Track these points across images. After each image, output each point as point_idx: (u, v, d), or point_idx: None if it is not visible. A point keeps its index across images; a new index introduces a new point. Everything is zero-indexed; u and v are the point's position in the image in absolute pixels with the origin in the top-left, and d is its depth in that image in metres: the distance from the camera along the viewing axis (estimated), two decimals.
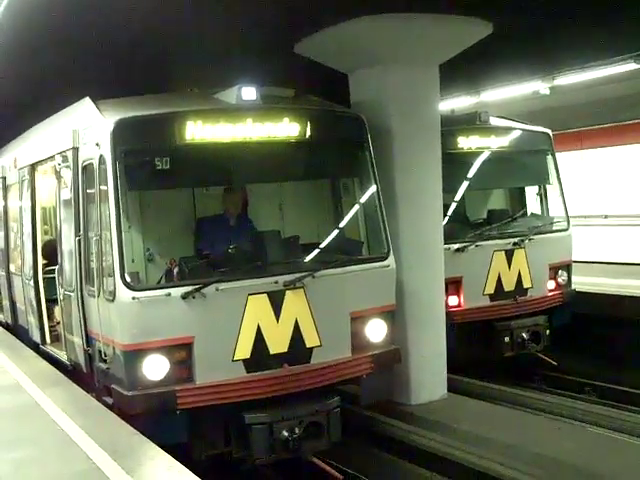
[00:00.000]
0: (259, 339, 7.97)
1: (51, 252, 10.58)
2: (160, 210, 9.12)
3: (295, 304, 8.15)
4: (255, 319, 7.97)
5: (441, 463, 8.73)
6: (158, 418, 7.58)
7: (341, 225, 9.59)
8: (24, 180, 11.42)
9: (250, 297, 7.95)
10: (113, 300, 7.73)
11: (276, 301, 8.06)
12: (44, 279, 10.85)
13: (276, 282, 8.08)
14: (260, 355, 7.99)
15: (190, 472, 5.74)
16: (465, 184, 12.36)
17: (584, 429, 10.00)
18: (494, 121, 12.97)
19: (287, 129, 8.60)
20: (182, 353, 7.76)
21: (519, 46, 11.22)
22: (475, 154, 12.46)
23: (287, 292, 8.11)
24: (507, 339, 11.92)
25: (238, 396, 7.87)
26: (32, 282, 10.89)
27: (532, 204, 13.68)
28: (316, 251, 8.93)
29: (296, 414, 7.98)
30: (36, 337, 11.07)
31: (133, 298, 7.58)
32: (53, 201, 10.24)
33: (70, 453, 6.32)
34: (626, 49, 12.16)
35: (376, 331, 8.78)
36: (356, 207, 9.45)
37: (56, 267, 9.79)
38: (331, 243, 9.21)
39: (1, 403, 8.11)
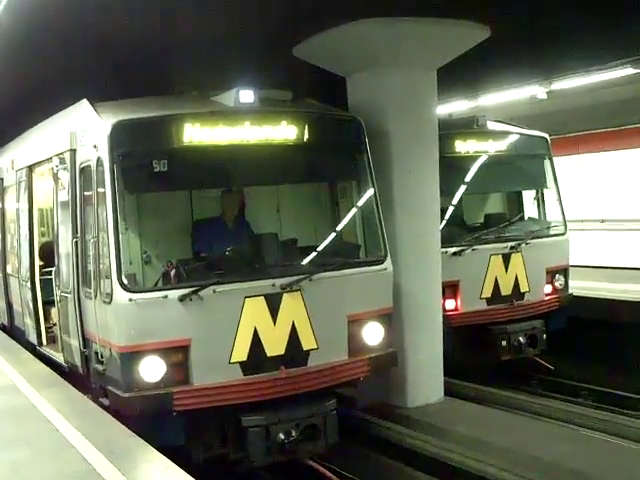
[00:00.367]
0: (256, 342, 7.97)
1: (48, 254, 10.57)
2: (157, 212, 9.10)
3: (292, 307, 8.15)
4: (252, 322, 7.97)
5: (437, 466, 8.74)
6: (154, 420, 7.57)
7: (338, 228, 9.59)
8: (21, 182, 11.41)
9: (247, 300, 7.95)
10: (110, 302, 7.72)
11: (273, 304, 8.06)
12: (41, 281, 10.84)
13: (273, 285, 8.08)
14: (257, 358, 7.99)
15: (187, 474, 5.74)
16: (462, 188, 12.38)
17: (580, 433, 10.00)
18: (492, 125, 13.00)
19: (285, 132, 8.61)
20: (179, 355, 7.76)
21: (516, 50, 11.24)
22: (472, 158, 12.48)
23: (284, 295, 8.11)
24: (504, 343, 11.92)
25: (235, 398, 7.86)
26: (29, 284, 10.89)
27: (529, 208, 13.70)
28: (313, 254, 8.93)
29: (293, 417, 7.98)
30: (33, 339, 11.05)
31: (130, 300, 7.58)
32: (50, 203, 10.23)
33: (66, 454, 6.32)
34: (623, 54, 12.17)
35: (373, 334, 8.79)
36: (353, 210, 9.45)
37: (53, 269, 9.78)
38: (328, 246, 9.22)
39: None
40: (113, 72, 11.01)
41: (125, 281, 7.67)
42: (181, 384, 7.75)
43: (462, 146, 12.33)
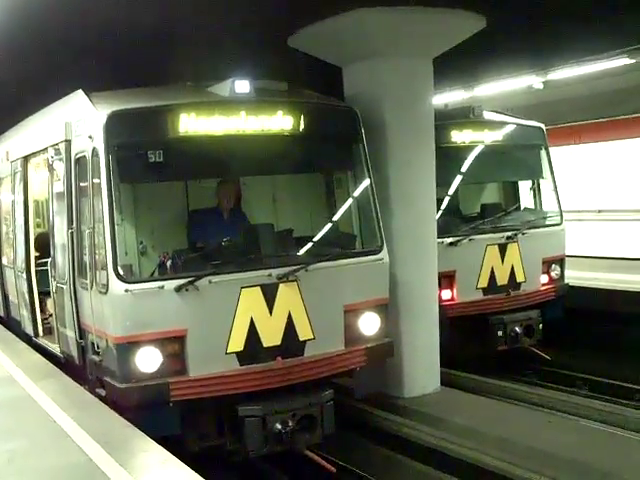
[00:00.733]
0: (252, 332, 7.97)
1: (44, 245, 10.56)
2: (153, 203, 9.11)
3: (288, 297, 8.15)
4: (248, 312, 7.97)
5: (434, 456, 8.76)
6: (151, 410, 7.57)
7: (334, 218, 9.58)
8: (16, 173, 11.39)
9: (243, 290, 7.94)
10: (106, 292, 7.72)
11: (269, 294, 8.05)
12: (37, 272, 10.83)
13: (269, 275, 8.08)
14: (253, 348, 7.99)
15: (183, 464, 5.74)
16: (458, 178, 12.38)
17: (576, 422, 10.03)
18: (487, 115, 12.98)
19: (280, 122, 8.60)
20: (175, 346, 7.76)
21: (512, 40, 11.22)
22: (468, 148, 12.47)
23: (280, 285, 8.11)
24: (500, 333, 11.94)
25: (231, 389, 7.87)
26: (25, 275, 10.88)
27: (526, 198, 13.70)
28: (309, 244, 8.94)
29: (289, 407, 7.99)
30: (29, 330, 11.05)
31: (126, 291, 7.57)
32: (46, 194, 10.21)
33: (63, 445, 6.32)
34: (619, 44, 12.17)
35: (369, 324, 8.79)
36: (349, 200, 9.44)
37: (49, 260, 9.77)
38: (324, 236, 9.22)
39: None
40: (108, 62, 10.96)
41: (121, 272, 7.66)
42: (177, 374, 7.75)
43: (458, 136, 12.31)
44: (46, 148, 9.61)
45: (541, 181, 13.38)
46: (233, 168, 8.98)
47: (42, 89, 10.65)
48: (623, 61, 12.94)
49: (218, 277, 7.89)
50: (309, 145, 9.10)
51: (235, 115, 8.37)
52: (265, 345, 8.04)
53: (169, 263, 8.18)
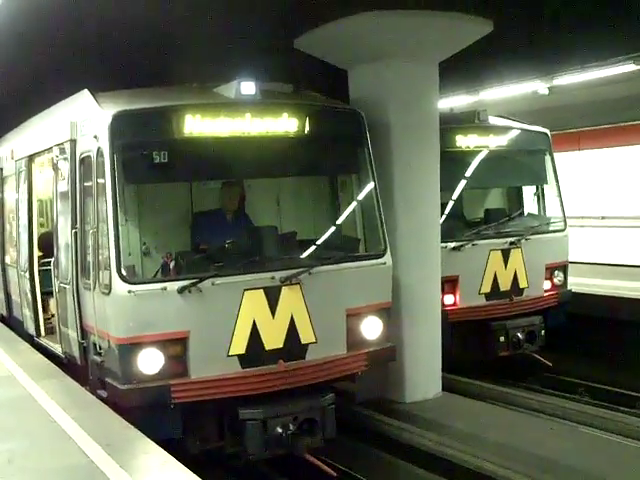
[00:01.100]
0: (254, 334, 7.96)
1: (47, 244, 10.55)
2: (157, 204, 9.08)
3: (291, 300, 8.13)
4: (251, 314, 7.95)
5: (434, 461, 8.74)
6: (152, 412, 7.55)
7: (338, 222, 9.56)
8: (21, 172, 11.38)
9: (246, 292, 7.93)
10: (109, 293, 7.70)
11: (272, 297, 8.04)
12: (40, 271, 10.83)
13: (272, 278, 8.06)
14: (255, 351, 7.97)
15: (184, 467, 5.73)
16: (463, 183, 12.35)
17: (577, 429, 10.00)
18: (493, 120, 12.96)
19: (286, 124, 8.58)
20: (177, 347, 7.74)
21: (519, 45, 11.22)
22: (473, 153, 12.45)
23: (283, 288, 8.09)
24: (502, 339, 11.92)
25: (233, 391, 7.85)
26: (27, 274, 10.88)
27: (529, 204, 13.67)
28: (313, 247, 8.91)
29: (290, 410, 7.96)
30: (31, 329, 11.03)
31: (129, 292, 7.56)
32: (50, 193, 10.20)
33: (63, 446, 6.30)
34: (626, 50, 12.15)
35: (371, 328, 8.77)
36: (353, 203, 9.42)
37: (52, 259, 9.76)
38: (328, 240, 9.19)
39: None
40: (113, 64, 10.96)
41: (124, 272, 7.64)
42: (179, 376, 7.73)
43: (463, 141, 12.29)
44: (51, 147, 9.59)
45: (545, 187, 13.35)
46: (238, 170, 8.95)
47: (47, 89, 10.65)
48: (629, 67, 12.90)
49: (221, 279, 7.87)
50: (314, 148, 9.08)
51: (240, 117, 8.36)
52: (267, 348, 8.02)
53: (172, 264, 8.16)
